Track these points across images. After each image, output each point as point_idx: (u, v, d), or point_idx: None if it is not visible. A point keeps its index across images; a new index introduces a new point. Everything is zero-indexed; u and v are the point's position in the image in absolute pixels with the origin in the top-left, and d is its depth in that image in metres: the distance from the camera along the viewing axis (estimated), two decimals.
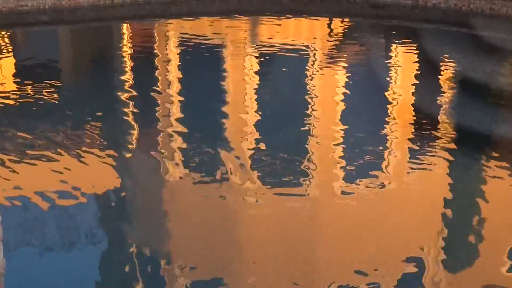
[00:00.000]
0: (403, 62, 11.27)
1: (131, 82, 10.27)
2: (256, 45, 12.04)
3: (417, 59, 11.33)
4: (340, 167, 7.42)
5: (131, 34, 13.44)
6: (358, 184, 6.97)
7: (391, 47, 12.18)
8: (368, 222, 6.36)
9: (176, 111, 9.09)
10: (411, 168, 7.43)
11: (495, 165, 7.48)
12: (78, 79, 11.03)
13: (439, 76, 10.42)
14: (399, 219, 6.47)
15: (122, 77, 10.59)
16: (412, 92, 9.87)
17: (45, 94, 9.55)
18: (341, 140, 8.11)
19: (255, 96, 9.59)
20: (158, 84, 10.18)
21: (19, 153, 7.69)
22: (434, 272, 5.67)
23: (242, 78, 10.37)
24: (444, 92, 9.85)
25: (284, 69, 11.00)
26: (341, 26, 13.61)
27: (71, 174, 7.23)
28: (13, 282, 5.09)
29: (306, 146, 7.95)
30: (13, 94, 9.69)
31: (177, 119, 8.81)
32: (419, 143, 8.04)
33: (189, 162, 7.57)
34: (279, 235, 6.13)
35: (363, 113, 9.11)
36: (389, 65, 11.08)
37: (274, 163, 7.47)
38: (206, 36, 12.56)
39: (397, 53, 11.69)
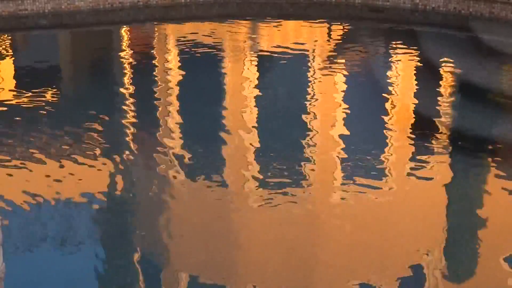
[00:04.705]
0: (402, 65, 11.27)
1: (130, 85, 10.27)
2: (256, 49, 12.04)
3: (416, 63, 11.33)
4: (340, 171, 7.41)
5: (130, 38, 13.44)
6: (358, 188, 6.96)
7: (391, 51, 12.18)
8: (368, 226, 6.35)
9: (175, 114, 9.09)
10: (411, 172, 7.42)
11: (495, 169, 7.47)
12: (77, 83, 11.03)
13: (439, 80, 10.42)
14: (400, 224, 6.47)
15: (121, 81, 10.59)
16: (412, 96, 9.87)
17: (45, 97, 9.55)
18: (341, 144, 8.10)
19: (255, 100, 9.58)
20: (157, 87, 10.18)
21: (19, 155, 7.68)
22: (435, 277, 5.66)
23: (241, 81, 10.37)
24: (444, 96, 9.85)
25: (283, 73, 11.01)
26: (340, 30, 13.61)
27: (71, 176, 7.23)
28: (13, 285, 5.07)
29: (305, 149, 7.95)
30: (12, 97, 9.69)
31: (176, 122, 8.81)
32: (419, 147, 8.03)
33: (189, 165, 7.56)
34: (279, 239, 6.12)
35: (363, 117, 9.11)
36: (388, 68, 11.08)
37: (274, 166, 7.46)
38: (206, 40, 12.56)
39: (397, 56, 11.69)
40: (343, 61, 11.45)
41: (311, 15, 14.15)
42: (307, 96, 9.70)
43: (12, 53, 12.29)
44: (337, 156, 7.74)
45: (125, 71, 11.17)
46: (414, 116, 9.03)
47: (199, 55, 11.71)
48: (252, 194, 6.93)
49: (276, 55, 11.65)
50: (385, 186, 7.10)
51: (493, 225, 6.46)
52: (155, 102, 9.56)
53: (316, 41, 12.70)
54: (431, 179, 7.34)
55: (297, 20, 13.95)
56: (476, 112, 9.20)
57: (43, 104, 9.35)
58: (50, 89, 9.94)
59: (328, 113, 9.12)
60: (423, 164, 7.54)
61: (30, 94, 9.71)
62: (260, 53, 11.75)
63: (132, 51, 12.29)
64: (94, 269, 5.80)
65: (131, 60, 11.77)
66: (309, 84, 10.20)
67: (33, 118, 8.86)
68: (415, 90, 10.07)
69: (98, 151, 7.81)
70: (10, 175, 7.30)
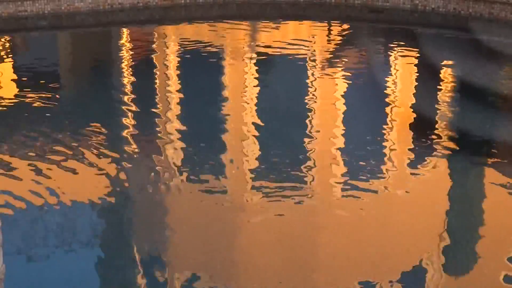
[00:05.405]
0: (402, 66, 11.27)
1: (130, 87, 10.27)
2: (255, 50, 12.04)
3: (416, 64, 11.34)
4: (340, 172, 7.42)
5: (130, 39, 13.44)
6: (358, 189, 6.95)
7: (390, 52, 12.19)
8: (368, 226, 6.35)
9: (175, 116, 9.08)
10: (411, 173, 7.42)
11: (495, 169, 7.48)
12: (77, 84, 11.03)
13: (438, 80, 10.42)
14: (400, 224, 6.47)
15: (121, 82, 10.59)
16: (412, 97, 9.87)
17: (44, 99, 9.55)
18: (341, 145, 8.10)
19: (255, 101, 9.59)
20: (157, 88, 10.18)
21: (18, 158, 7.68)
22: (435, 277, 5.66)
23: (241, 82, 10.36)
24: (444, 96, 9.85)
25: (283, 74, 11.01)
26: (340, 30, 13.62)
27: (71, 179, 7.22)
28: (13, 286, 5.08)
29: (306, 150, 7.95)
30: (12, 99, 9.69)
31: (176, 124, 8.80)
32: (418, 148, 8.03)
33: (189, 166, 7.56)
34: (279, 240, 6.12)
35: (363, 118, 9.11)
36: (388, 69, 11.08)
37: (274, 168, 7.46)
38: (205, 41, 12.57)
39: (396, 57, 11.69)
40: (343, 61, 11.45)
41: (310, 15, 14.15)
42: (307, 96, 9.70)
43: (11, 55, 12.28)
44: (337, 156, 7.74)
45: (125, 72, 11.17)
46: (413, 116, 9.03)
47: (198, 56, 11.71)
48: (252, 195, 6.93)
49: (275, 55, 11.66)
50: (385, 186, 7.09)
51: (493, 225, 6.47)
52: (154, 103, 9.56)
53: (315, 42, 12.70)
54: (431, 179, 7.34)
55: (296, 21, 13.95)
56: (476, 112, 9.20)
57: (43, 105, 9.34)
58: (49, 90, 9.94)
59: (328, 113, 9.12)
60: (423, 164, 7.54)
61: (29, 95, 9.71)
62: (259, 53, 11.75)
63: (132, 52, 12.29)
64: (93, 270, 5.80)
65: (131, 61, 11.77)
66: (309, 84, 10.20)
67: (33, 119, 8.86)
68: (415, 91, 10.07)
69: (97, 152, 7.80)
70: (10, 176, 7.30)
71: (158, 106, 9.45)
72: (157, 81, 10.55)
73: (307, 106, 9.31)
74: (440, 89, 10.07)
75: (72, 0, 13.71)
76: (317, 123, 8.80)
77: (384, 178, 7.25)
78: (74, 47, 13.18)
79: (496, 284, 5.58)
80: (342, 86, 10.13)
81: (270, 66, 11.36)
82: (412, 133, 8.50)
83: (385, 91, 9.91)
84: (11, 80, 10.69)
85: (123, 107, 9.34)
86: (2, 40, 12.98)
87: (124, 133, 8.46)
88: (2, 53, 12.16)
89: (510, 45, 12.15)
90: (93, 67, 11.83)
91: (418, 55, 11.64)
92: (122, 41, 13.40)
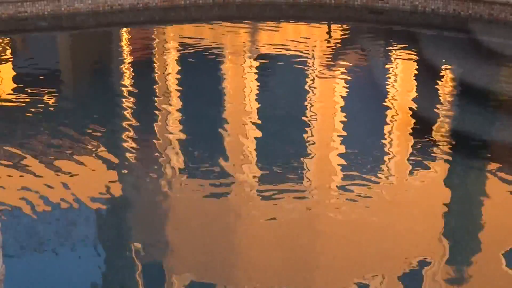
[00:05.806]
0: (402, 67, 11.27)
1: (130, 88, 10.27)
2: (255, 51, 12.04)
3: (416, 65, 11.34)
4: (340, 174, 7.42)
5: (130, 40, 13.45)
6: (358, 190, 6.96)
7: (390, 53, 12.19)
8: (367, 227, 6.35)
9: (175, 117, 9.08)
10: (411, 174, 7.42)
11: (494, 170, 7.48)
12: (77, 85, 11.03)
13: (438, 82, 10.42)
14: (399, 225, 6.47)
15: (121, 83, 10.59)
16: (411, 98, 9.87)
17: (44, 100, 9.55)
18: (341, 146, 8.10)
19: (255, 102, 9.59)
20: (157, 89, 10.18)
21: (18, 159, 7.68)
22: (435, 278, 5.66)
23: (241, 84, 10.37)
24: (443, 98, 9.85)
25: (283, 75, 11.01)
26: (340, 31, 13.62)
27: (70, 180, 7.22)
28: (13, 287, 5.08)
29: (305, 152, 7.95)
30: (12, 100, 9.69)
31: (176, 125, 8.81)
32: (418, 149, 8.04)
33: (189, 167, 7.56)
34: (279, 241, 6.12)
35: (362, 119, 9.11)
36: (388, 70, 11.08)
37: (274, 169, 7.46)
38: (205, 42, 12.57)
39: (396, 58, 11.70)
40: (343, 63, 11.45)
41: (310, 16, 14.15)
42: (306, 98, 9.70)
43: (11, 56, 12.29)
44: (337, 158, 7.74)
45: (125, 73, 11.18)
46: (413, 118, 9.03)
47: (198, 57, 11.71)
48: (252, 196, 6.93)
49: (275, 56, 11.66)
50: (385, 187, 7.10)
51: (493, 226, 6.47)
52: (155, 104, 9.56)
53: (315, 42, 12.70)
54: (430, 180, 7.34)
55: (296, 21, 13.95)
56: (475, 113, 9.20)
57: (43, 106, 9.35)
58: (49, 91, 9.94)
59: (327, 115, 9.12)
60: (422, 166, 7.54)
61: (29, 96, 9.71)
62: (259, 54, 11.75)
63: (131, 53, 12.29)
64: (93, 271, 5.80)
65: (130, 62, 11.77)
66: (309, 85, 10.21)
67: (33, 120, 8.87)
68: (415, 92, 10.08)
69: (98, 153, 7.80)
70: (10, 176, 7.30)
71: (158, 106, 9.45)
72: (157, 81, 10.55)
73: (307, 107, 9.32)
74: (440, 90, 10.07)
75: (72, 1, 13.72)
76: (317, 125, 8.80)
77: (384, 179, 7.24)
78: (74, 48, 13.18)
79: (496, 285, 5.58)
80: (341, 86, 10.13)
81: (270, 67, 11.36)
82: (412, 135, 8.49)
83: (385, 93, 9.91)
84: (11, 80, 10.69)
85: (123, 108, 9.35)
86: (2, 41, 12.98)
87: (124, 133, 8.46)
88: (2, 54, 12.16)
89: (509, 46, 12.16)
90: (93, 67, 11.83)
91: (418, 56, 11.64)
92: (122, 42, 13.40)
